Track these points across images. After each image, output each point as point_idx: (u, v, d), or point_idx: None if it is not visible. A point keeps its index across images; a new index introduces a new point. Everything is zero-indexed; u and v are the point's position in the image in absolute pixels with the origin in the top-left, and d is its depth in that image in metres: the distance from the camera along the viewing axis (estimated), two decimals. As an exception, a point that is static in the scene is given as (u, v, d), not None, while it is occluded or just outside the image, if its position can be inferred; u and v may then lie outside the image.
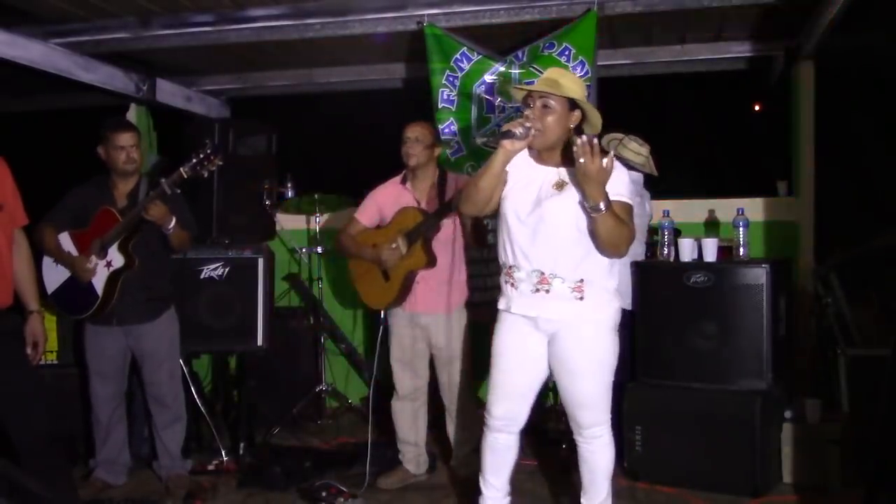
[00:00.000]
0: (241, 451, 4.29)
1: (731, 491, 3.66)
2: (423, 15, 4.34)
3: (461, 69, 4.46)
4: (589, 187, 2.62)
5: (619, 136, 4.20)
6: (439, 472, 4.09)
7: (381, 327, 3.96)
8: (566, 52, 4.27)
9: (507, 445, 3.01)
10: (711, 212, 4.88)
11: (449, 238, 3.78)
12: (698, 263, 3.84)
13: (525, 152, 2.85)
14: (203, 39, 4.52)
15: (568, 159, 2.75)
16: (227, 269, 4.38)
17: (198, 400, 4.35)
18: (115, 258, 3.72)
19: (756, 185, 5.44)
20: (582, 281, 2.78)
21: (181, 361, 4.10)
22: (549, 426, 4.61)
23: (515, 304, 2.87)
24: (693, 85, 6.90)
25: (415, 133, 3.78)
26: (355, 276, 3.99)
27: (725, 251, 3.92)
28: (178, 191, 3.70)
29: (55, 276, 3.82)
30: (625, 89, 5.66)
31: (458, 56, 4.44)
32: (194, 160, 3.60)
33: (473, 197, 2.82)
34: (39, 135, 7.29)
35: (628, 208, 2.78)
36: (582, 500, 3.02)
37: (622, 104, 5.63)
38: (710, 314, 3.76)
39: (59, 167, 5.72)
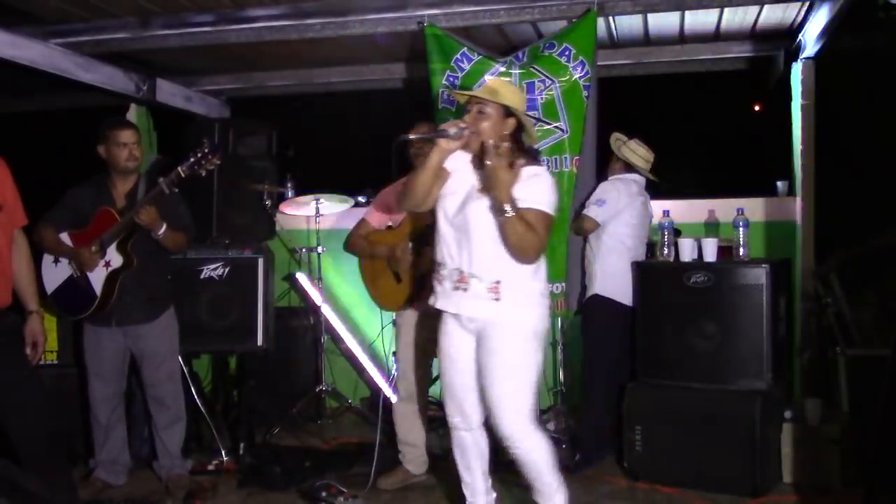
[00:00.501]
0: (241, 451, 4.29)
1: (731, 491, 3.66)
2: (423, 15, 4.33)
3: (462, 69, 4.45)
4: (495, 190, 2.74)
5: (624, 137, 4.23)
6: (439, 472, 4.09)
7: (393, 327, 3.99)
8: (566, 53, 4.26)
9: (469, 443, 3.07)
10: (711, 212, 4.88)
11: None
12: (698, 263, 3.84)
13: (468, 157, 2.95)
14: (203, 39, 4.52)
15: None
16: (227, 269, 4.38)
17: (198, 400, 4.35)
18: (114, 258, 3.72)
19: (756, 185, 5.44)
20: (499, 282, 2.85)
21: (181, 361, 4.10)
22: (549, 426, 4.62)
23: (440, 300, 2.98)
24: (693, 85, 6.90)
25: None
26: (367, 277, 4.00)
27: (725, 251, 3.92)
28: (177, 190, 3.70)
29: (54, 276, 3.81)
30: (625, 89, 5.66)
31: (458, 56, 4.43)
32: (192, 159, 3.60)
33: (411, 192, 2.92)
34: (39, 135, 7.29)
35: (543, 217, 2.83)
36: (538, 500, 3.01)
37: (622, 104, 5.63)
38: (710, 314, 3.76)
39: (59, 167, 5.71)
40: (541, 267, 2.94)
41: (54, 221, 3.80)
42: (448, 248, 2.94)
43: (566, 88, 4.27)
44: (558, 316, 4.52)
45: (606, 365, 4.10)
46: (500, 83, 2.98)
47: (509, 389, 2.88)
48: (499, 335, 2.88)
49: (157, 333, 3.88)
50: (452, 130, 2.84)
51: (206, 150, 3.62)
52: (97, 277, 3.73)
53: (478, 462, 3.11)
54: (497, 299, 2.85)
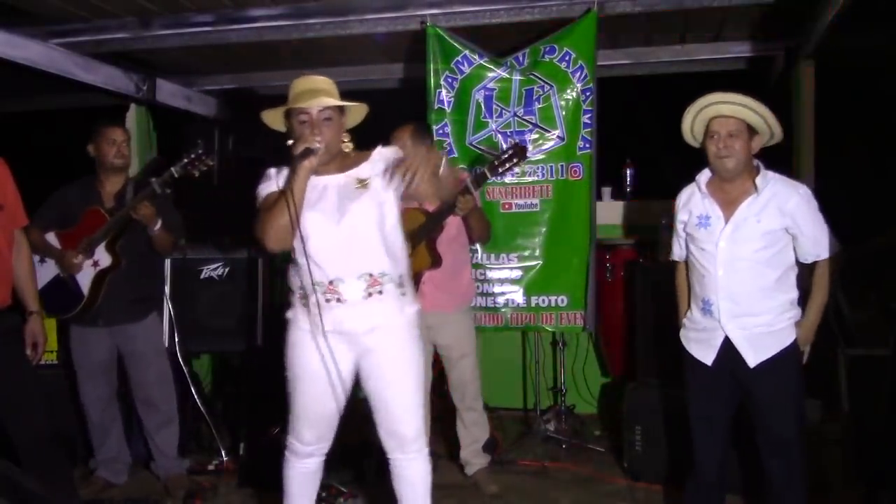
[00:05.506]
0: (241, 451, 4.29)
1: (732, 491, 3.65)
2: (424, 15, 4.33)
3: (461, 72, 4.45)
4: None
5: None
6: (441, 471, 4.08)
7: None
8: (567, 58, 4.25)
9: (314, 471, 2.96)
10: (711, 212, 4.86)
11: (452, 237, 3.78)
12: (698, 263, 3.82)
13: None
14: (203, 39, 4.52)
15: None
16: (227, 269, 4.38)
17: (198, 400, 4.34)
18: (103, 257, 3.72)
19: (756, 185, 5.42)
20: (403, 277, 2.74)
21: (181, 361, 4.09)
22: (549, 426, 4.62)
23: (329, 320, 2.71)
24: (693, 85, 6.89)
25: (408, 136, 3.76)
26: None
27: (725, 251, 3.90)
28: (168, 191, 3.70)
29: (40, 275, 3.77)
30: (625, 89, 5.65)
31: (459, 59, 4.43)
32: (185, 160, 3.61)
33: (287, 231, 2.64)
34: (39, 135, 7.28)
35: None
36: None
37: (622, 104, 5.63)
38: (710, 314, 3.75)
39: (59, 167, 5.70)
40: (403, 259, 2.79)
41: (41, 222, 3.77)
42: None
43: (565, 95, 4.27)
44: (551, 329, 4.52)
45: None
46: (322, 81, 2.71)
47: (412, 392, 2.78)
48: (397, 336, 2.73)
49: (144, 334, 3.86)
50: (315, 146, 2.60)
51: (200, 152, 3.62)
52: (85, 277, 3.72)
53: (315, 494, 2.99)
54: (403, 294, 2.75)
